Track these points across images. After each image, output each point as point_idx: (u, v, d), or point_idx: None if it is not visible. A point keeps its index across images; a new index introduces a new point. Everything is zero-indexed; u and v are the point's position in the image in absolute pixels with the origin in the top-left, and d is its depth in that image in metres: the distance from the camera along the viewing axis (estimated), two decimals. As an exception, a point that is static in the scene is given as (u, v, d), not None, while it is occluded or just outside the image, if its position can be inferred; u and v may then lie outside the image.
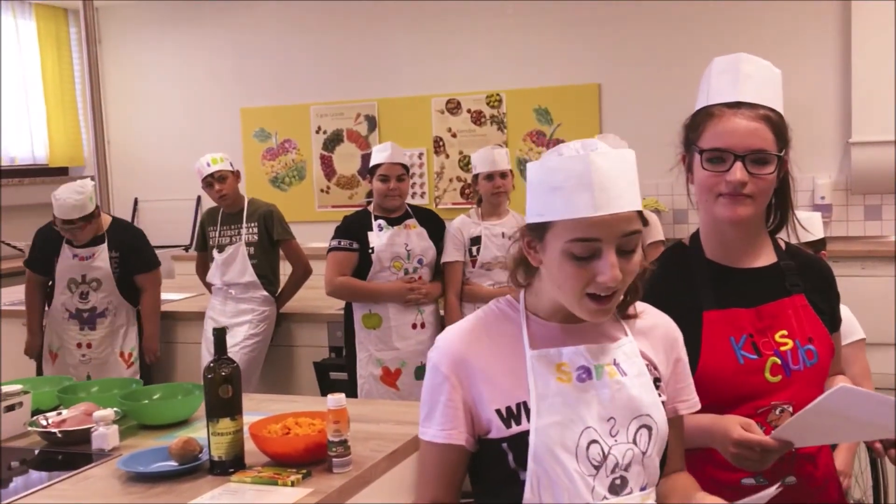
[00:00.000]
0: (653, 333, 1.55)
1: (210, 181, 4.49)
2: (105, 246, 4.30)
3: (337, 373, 4.36)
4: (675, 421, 1.55)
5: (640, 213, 1.40)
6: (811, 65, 6.07)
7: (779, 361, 1.73)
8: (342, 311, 4.55)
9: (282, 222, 4.54)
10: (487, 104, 7.30)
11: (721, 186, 1.71)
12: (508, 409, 1.44)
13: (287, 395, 4.44)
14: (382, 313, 3.95)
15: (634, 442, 1.43)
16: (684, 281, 1.77)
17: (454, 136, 7.43)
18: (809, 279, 1.79)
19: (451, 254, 3.96)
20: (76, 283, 4.31)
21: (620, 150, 1.39)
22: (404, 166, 4.01)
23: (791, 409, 1.72)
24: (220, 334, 2.26)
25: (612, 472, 1.42)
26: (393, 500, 2.37)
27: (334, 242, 4.01)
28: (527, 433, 1.41)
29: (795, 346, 1.75)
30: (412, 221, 4.02)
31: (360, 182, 7.74)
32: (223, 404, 2.22)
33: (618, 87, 6.90)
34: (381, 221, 3.98)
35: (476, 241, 3.96)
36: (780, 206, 1.79)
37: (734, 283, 1.74)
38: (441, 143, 7.44)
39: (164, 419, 2.67)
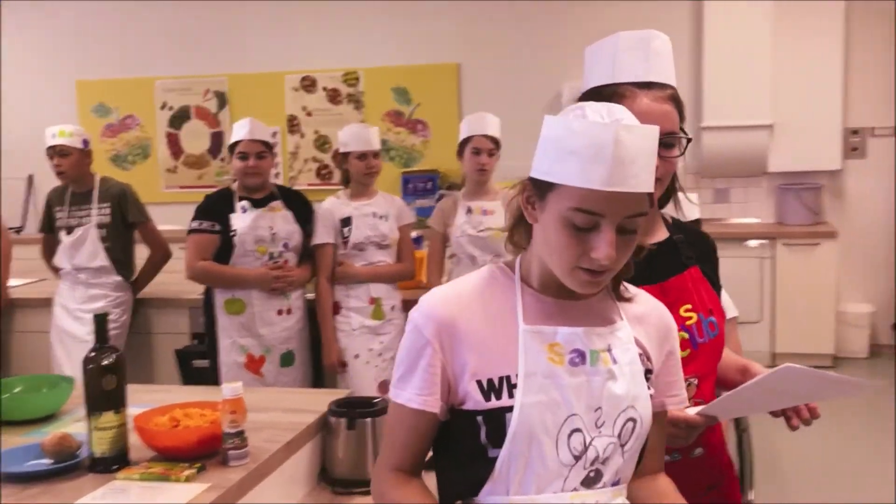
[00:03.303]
0: (647, 321, 1.48)
1: (50, 154, 4.17)
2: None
3: (200, 360, 4.15)
4: (660, 416, 1.48)
5: (650, 194, 1.33)
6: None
7: (686, 336, 1.74)
8: (203, 296, 4.36)
9: (137, 203, 4.27)
10: (344, 82, 7.17)
11: None
12: (490, 381, 1.35)
13: (152, 384, 4.22)
14: (246, 299, 3.78)
15: (619, 436, 1.37)
16: None
17: (309, 114, 7.26)
18: (698, 251, 1.81)
19: (322, 236, 3.83)
20: None
21: (646, 127, 1.30)
22: (265, 143, 3.84)
23: (696, 382, 1.74)
24: (101, 320, 2.07)
25: (591, 464, 1.36)
26: (292, 492, 2.26)
27: (194, 224, 3.80)
28: (505, 409, 1.33)
29: (699, 320, 1.76)
30: (278, 203, 3.86)
31: (211, 161, 7.45)
32: (106, 396, 2.04)
33: (477, 66, 6.93)
34: (245, 202, 3.80)
35: (346, 221, 3.84)
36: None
37: (636, 262, 1.74)
38: (296, 122, 7.26)
39: (28, 414, 2.43)
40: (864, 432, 4.93)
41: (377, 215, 3.89)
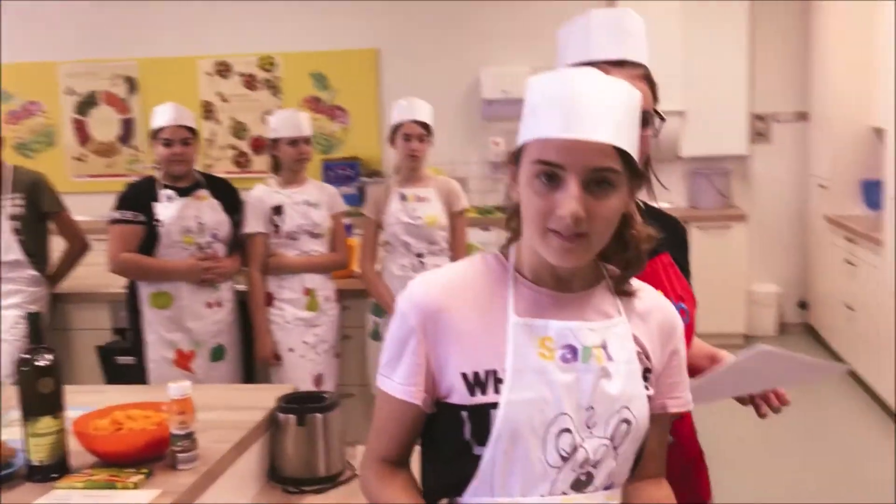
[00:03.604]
0: (650, 318, 1.39)
1: None
2: None
3: (124, 357, 3.97)
4: (660, 419, 1.40)
5: (625, 156, 1.24)
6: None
7: None
8: (127, 290, 4.17)
9: (52, 192, 4.05)
10: (261, 67, 7.00)
11: None
12: (476, 375, 1.29)
13: (81, 385, 4.03)
14: (173, 292, 3.63)
15: (612, 438, 1.30)
16: None
17: (225, 100, 7.06)
18: (669, 236, 1.77)
19: (253, 225, 3.70)
20: None
21: (620, 81, 1.25)
22: (190, 129, 3.69)
23: None
24: (34, 319, 1.94)
25: (581, 466, 1.29)
26: (241, 493, 2.16)
27: (116, 214, 3.62)
28: (491, 405, 1.27)
29: None
30: (204, 192, 3.70)
31: (121, 149, 7.18)
32: (43, 400, 1.91)
33: (397, 52, 6.84)
34: (170, 191, 3.64)
35: (278, 210, 3.72)
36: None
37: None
38: (211, 109, 7.04)
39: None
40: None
41: (309, 203, 3.78)
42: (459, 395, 1.30)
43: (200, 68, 7.00)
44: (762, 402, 1.73)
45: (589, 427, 1.29)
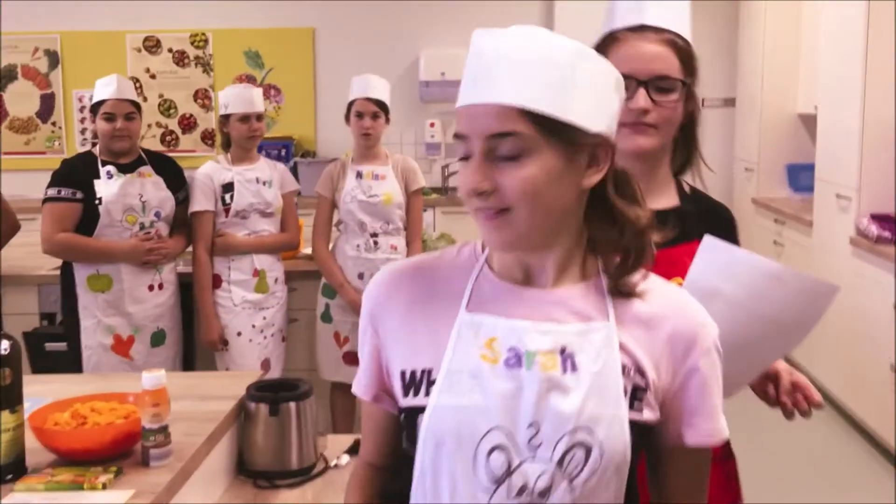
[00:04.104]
0: (658, 325, 1.14)
1: None
2: None
3: (55, 343, 3.74)
4: (682, 453, 1.17)
5: (534, 117, 1.05)
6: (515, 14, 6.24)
7: None
8: (57, 273, 3.93)
9: (-21, 169, 3.79)
10: (192, 44, 6.73)
11: (623, 115, 1.57)
12: (412, 374, 1.14)
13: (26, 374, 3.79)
14: (113, 274, 3.41)
15: (560, 463, 1.06)
16: None
17: (153, 77, 6.77)
18: (710, 226, 1.63)
19: (201, 202, 3.51)
20: None
21: (541, 36, 1.07)
22: (134, 103, 3.48)
23: None
24: (-8, 303, 1.75)
25: (519, 495, 1.07)
26: (210, 489, 2.01)
27: (52, 192, 3.39)
28: (420, 409, 1.12)
29: None
30: (147, 169, 3.49)
31: (40, 126, 6.82)
32: (0, 393, 1.73)
33: (333, 32, 6.67)
34: (111, 168, 3.42)
35: (228, 187, 3.54)
36: (686, 144, 1.66)
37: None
38: (138, 85, 6.73)
39: None
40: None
41: (260, 181, 3.61)
42: (398, 395, 1.18)
43: (129, 43, 6.69)
44: (788, 401, 1.63)
45: (531, 447, 1.07)
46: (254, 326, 3.57)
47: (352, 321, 3.60)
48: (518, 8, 6.38)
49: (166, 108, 6.78)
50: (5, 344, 1.73)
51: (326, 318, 3.69)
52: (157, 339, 3.53)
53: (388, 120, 3.66)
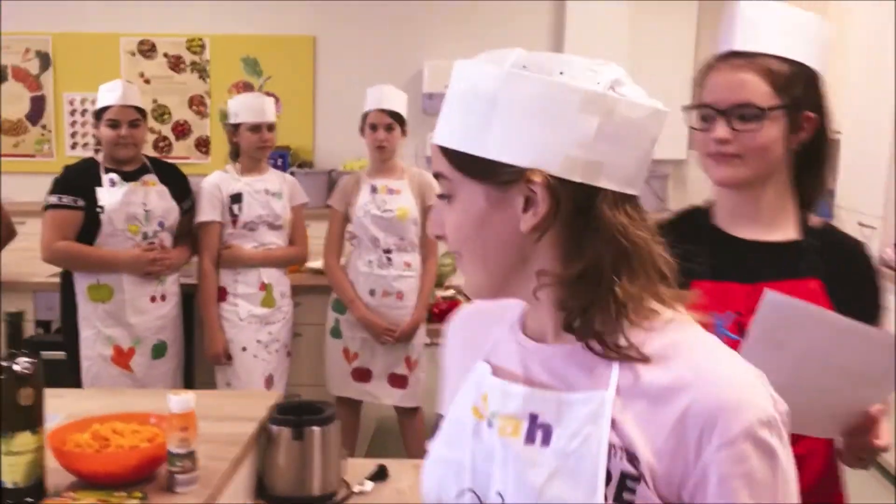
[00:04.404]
0: (669, 399, 0.90)
1: None
2: None
3: (50, 351, 3.62)
4: None
5: (451, 155, 0.96)
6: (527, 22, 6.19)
7: None
8: (53, 279, 3.83)
9: (-22, 172, 3.67)
10: (188, 49, 6.63)
11: (709, 146, 1.51)
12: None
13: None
14: (115, 284, 3.31)
15: None
16: (683, 246, 1.49)
17: (147, 82, 6.66)
18: (835, 264, 1.52)
19: (207, 212, 3.41)
20: None
21: (467, 67, 0.97)
22: (139, 110, 3.39)
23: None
24: (16, 319, 1.66)
25: None
26: (234, 517, 1.92)
27: (53, 199, 3.29)
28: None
29: None
30: (151, 177, 3.40)
31: (30, 128, 6.69)
32: (22, 414, 1.63)
33: (335, 41, 6.59)
34: (114, 175, 3.32)
35: (237, 198, 3.45)
36: (812, 174, 1.54)
37: (736, 254, 1.53)
38: (132, 90, 6.60)
39: None
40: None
41: (270, 192, 3.52)
42: None
43: (123, 46, 6.58)
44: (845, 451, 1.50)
45: None
46: (259, 341, 3.48)
47: (361, 337, 3.52)
48: (526, 16, 6.31)
49: (160, 113, 6.67)
50: (28, 363, 1.64)
51: (336, 333, 3.60)
52: (159, 351, 3.43)
53: (404, 132, 3.59)
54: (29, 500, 1.64)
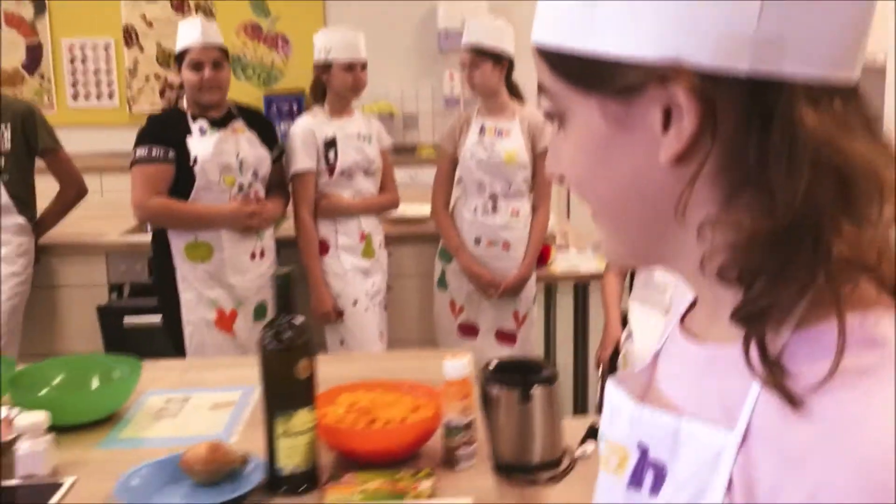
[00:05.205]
0: (803, 464, 0.52)
1: None
2: None
3: (133, 316, 3.41)
4: None
5: (553, 60, 0.64)
6: None
7: None
8: (124, 240, 3.61)
9: (46, 126, 3.37)
10: (194, -12, 6.26)
11: None
12: None
13: (68, 350, 3.46)
14: (214, 242, 3.08)
15: None
16: None
17: (150, 25, 6.29)
18: None
19: (304, 161, 3.17)
20: None
21: None
22: (222, 49, 3.14)
23: None
24: (285, 280, 1.47)
25: None
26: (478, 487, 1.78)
27: (141, 152, 3.03)
28: None
29: None
30: (239, 123, 3.14)
31: (26, 78, 6.29)
32: (300, 390, 1.46)
33: (348, -23, 6.27)
34: (202, 123, 3.07)
35: (331, 144, 3.21)
36: None
37: None
38: (133, 34, 6.26)
39: (95, 414, 1.76)
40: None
41: (362, 136, 3.29)
42: None
43: (122, -13, 6.20)
44: None
45: None
46: (366, 294, 3.29)
47: (466, 289, 3.33)
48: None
49: (165, 58, 6.32)
50: (303, 332, 1.46)
51: (442, 283, 3.41)
52: (260, 312, 3.22)
53: (502, 67, 3.27)
54: (303, 487, 1.48)
